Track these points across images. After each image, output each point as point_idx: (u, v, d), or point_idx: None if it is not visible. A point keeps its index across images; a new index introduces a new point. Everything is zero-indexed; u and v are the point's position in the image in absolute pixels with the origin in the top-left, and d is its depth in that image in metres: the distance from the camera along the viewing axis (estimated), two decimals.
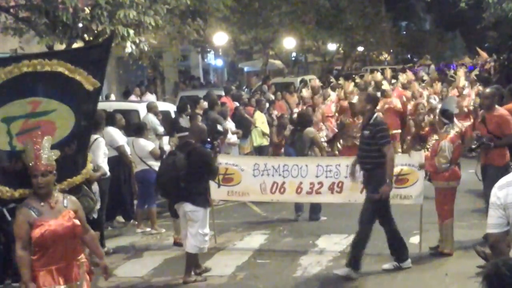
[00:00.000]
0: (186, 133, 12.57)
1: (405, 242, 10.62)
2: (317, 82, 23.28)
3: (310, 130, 14.35)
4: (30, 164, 6.21)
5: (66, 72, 6.41)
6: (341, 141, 18.96)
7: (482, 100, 11.53)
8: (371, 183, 10.27)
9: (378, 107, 20.19)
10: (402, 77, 23.64)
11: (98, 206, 11.42)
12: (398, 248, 10.52)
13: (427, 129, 16.77)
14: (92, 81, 6.61)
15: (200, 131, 10.77)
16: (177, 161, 10.22)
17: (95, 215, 11.39)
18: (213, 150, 11.44)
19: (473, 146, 11.14)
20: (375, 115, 10.28)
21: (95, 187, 11.56)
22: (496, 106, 11.16)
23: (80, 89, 6.56)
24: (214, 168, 10.65)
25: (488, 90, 11.70)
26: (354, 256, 10.19)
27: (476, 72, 26.39)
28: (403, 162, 11.33)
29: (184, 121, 13.43)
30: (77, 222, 6.34)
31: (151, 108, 16.09)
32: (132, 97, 22.02)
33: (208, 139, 10.84)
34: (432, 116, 16.47)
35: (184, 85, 30.99)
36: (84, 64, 6.58)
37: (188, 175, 10.09)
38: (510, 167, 10.60)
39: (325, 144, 19.00)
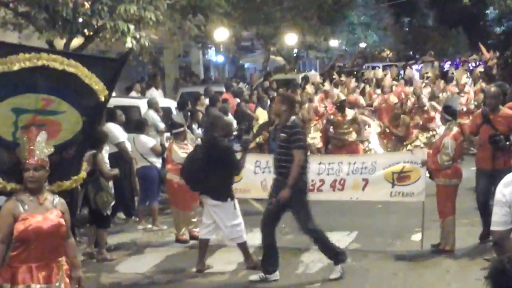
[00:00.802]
0: (182, 129, 12.51)
1: (278, 256, 10.27)
2: (317, 79, 23.20)
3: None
4: (24, 158, 6.14)
5: (82, 77, 6.36)
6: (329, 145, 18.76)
7: (487, 99, 11.30)
8: (279, 189, 9.95)
9: (375, 104, 20.34)
10: (408, 71, 23.68)
11: (112, 203, 11.53)
12: (268, 259, 10.21)
13: (399, 128, 16.87)
14: (106, 93, 6.54)
15: (223, 125, 10.73)
16: (194, 155, 10.24)
17: (109, 212, 11.47)
18: (242, 145, 11.30)
19: (496, 139, 10.68)
20: (292, 118, 9.97)
21: (111, 184, 11.63)
22: (500, 106, 11.04)
23: (93, 97, 6.49)
24: (235, 162, 10.52)
25: (493, 89, 11.51)
26: (268, 264, 10.10)
27: (480, 68, 26.34)
28: (406, 159, 11.29)
29: (179, 117, 13.37)
30: (62, 221, 6.25)
31: (152, 104, 16.04)
32: (133, 93, 21.91)
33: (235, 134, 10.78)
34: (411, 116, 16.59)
35: (184, 81, 30.92)
36: (99, 73, 6.51)
37: (208, 169, 10.14)
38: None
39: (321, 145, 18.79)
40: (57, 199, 6.36)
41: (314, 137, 17.96)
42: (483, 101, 18.55)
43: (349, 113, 17.14)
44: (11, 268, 6.05)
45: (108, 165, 12.18)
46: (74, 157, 6.68)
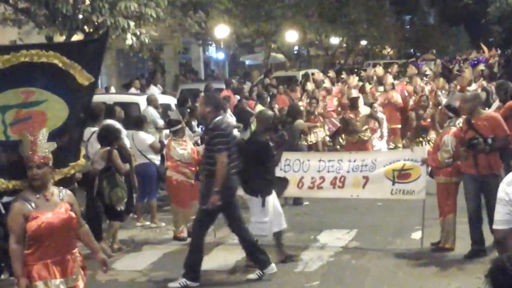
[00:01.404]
0: (179, 126, 12.44)
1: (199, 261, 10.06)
2: (320, 76, 23.16)
3: (300, 122, 14.81)
4: (26, 156, 6.13)
5: (60, 65, 6.38)
6: (343, 136, 18.87)
7: (463, 103, 10.68)
8: (206, 191, 9.88)
9: (378, 102, 20.31)
10: (410, 69, 23.62)
11: (125, 199, 11.58)
12: (257, 256, 10.06)
13: (428, 120, 16.72)
14: (87, 76, 6.52)
15: (263, 119, 10.66)
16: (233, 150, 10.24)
17: (122, 207, 11.46)
18: (280, 138, 11.18)
19: (473, 143, 10.28)
20: (216, 119, 9.81)
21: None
22: (480, 109, 10.60)
23: (74, 83, 6.48)
24: (270, 156, 10.40)
25: (468, 93, 11.33)
26: (190, 266, 9.94)
27: (481, 67, 26.26)
28: (406, 157, 11.23)
29: (175, 114, 13.30)
30: (73, 214, 6.29)
31: (151, 101, 15.97)
32: (132, 90, 21.85)
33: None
34: (433, 110, 16.42)
35: (184, 78, 30.88)
36: (79, 59, 6.50)
37: (245, 163, 10.10)
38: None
39: (328, 139, 18.94)
40: (64, 192, 6.37)
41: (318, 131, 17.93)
42: (486, 100, 18.52)
43: (364, 110, 17.09)
44: (27, 267, 6.08)
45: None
46: (69, 144, 6.65)
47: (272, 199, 10.46)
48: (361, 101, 17.51)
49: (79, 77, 6.46)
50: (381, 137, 18.67)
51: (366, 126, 16.78)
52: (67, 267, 6.26)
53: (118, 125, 13.54)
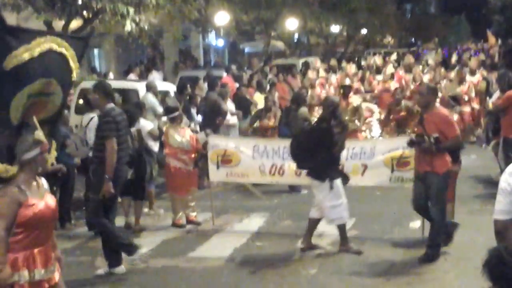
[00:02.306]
0: (177, 113, 12.40)
1: (121, 248, 9.94)
2: (317, 64, 23.11)
3: (304, 109, 14.85)
4: (40, 141, 6.06)
5: (68, 57, 6.33)
6: None
7: (418, 97, 10.39)
8: (94, 180, 9.83)
9: (376, 91, 20.27)
10: (408, 58, 23.58)
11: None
12: (110, 253, 9.91)
13: (403, 113, 16.77)
14: (77, 71, 6.50)
15: (328, 104, 10.69)
16: (300, 134, 10.46)
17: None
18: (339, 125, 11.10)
19: (412, 140, 10.11)
20: (107, 107, 9.74)
21: None
22: (437, 105, 10.24)
23: (71, 76, 6.47)
24: (334, 142, 10.33)
25: (424, 86, 10.82)
26: (110, 255, 9.85)
27: (482, 57, 26.23)
28: (405, 145, 11.15)
29: (172, 101, 13.27)
30: (56, 205, 6.27)
31: (150, 88, 15.92)
32: (132, 76, 21.80)
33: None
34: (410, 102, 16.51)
35: (184, 65, 30.80)
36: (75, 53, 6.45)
37: (310, 149, 10.14)
38: (449, 176, 10.05)
39: None
40: (45, 182, 6.35)
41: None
42: (486, 89, 18.49)
43: (354, 100, 17.07)
44: (13, 254, 5.93)
45: None
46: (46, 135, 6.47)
47: (340, 184, 10.47)
48: (357, 95, 17.47)
49: (75, 71, 6.43)
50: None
51: (353, 117, 16.64)
52: (49, 257, 6.16)
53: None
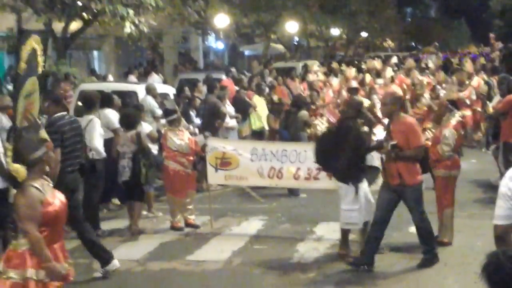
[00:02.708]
0: (175, 116, 12.39)
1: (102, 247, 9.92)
2: (314, 67, 23.01)
3: (304, 112, 14.90)
4: (39, 139, 6.24)
5: (38, 51, 6.36)
6: None
7: (381, 106, 10.21)
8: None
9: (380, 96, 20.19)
10: (409, 63, 23.54)
11: None
12: (97, 252, 9.86)
13: (425, 108, 16.69)
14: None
15: (354, 105, 10.63)
16: (325, 135, 10.39)
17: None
18: (366, 124, 10.90)
19: (372, 145, 10.06)
20: (55, 115, 9.65)
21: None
22: (402, 113, 9.94)
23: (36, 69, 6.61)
24: (361, 142, 10.08)
25: (388, 95, 10.54)
26: (97, 255, 9.87)
27: (482, 61, 26.19)
28: None
29: (170, 103, 13.25)
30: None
31: (149, 90, 15.88)
32: (131, 78, 21.76)
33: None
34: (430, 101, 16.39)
35: (183, 68, 30.76)
36: None
37: (336, 150, 9.99)
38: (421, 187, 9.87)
39: None
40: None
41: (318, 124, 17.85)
42: (487, 93, 18.44)
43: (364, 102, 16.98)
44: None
45: (103, 150, 12.18)
46: None
47: (364, 187, 10.33)
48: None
49: (40, 65, 6.47)
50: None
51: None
52: (65, 250, 6.38)
53: (116, 114, 13.50)
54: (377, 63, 25.90)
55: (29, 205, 5.98)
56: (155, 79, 22.56)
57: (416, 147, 9.58)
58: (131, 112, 12.97)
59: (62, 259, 6.22)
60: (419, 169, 9.78)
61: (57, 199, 6.17)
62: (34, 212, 5.97)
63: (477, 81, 20.38)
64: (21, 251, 6.04)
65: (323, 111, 18.92)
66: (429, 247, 9.94)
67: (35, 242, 5.98)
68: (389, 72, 21.34)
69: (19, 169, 5.94)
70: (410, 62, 24.78)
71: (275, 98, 18.77)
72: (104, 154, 12.24)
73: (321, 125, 17.90)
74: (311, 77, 22.48)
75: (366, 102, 17.10)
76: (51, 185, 6.33)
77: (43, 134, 6.15)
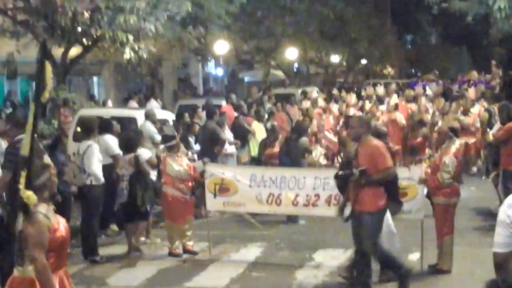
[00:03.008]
0: (174, 142, 12.38)
1: None
2: (313, 94, 22.92)
3: (305, 139, 15.00)
4: (44, 163, 6.24)
5: (46, 77, 6.34)
6: (341, 154, 18.66)
7: (349, 129, 10.25)
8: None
9: (380, 121, 20.17)
10: (408, 92, 23.56)
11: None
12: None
13: (419, 139, 16.66)
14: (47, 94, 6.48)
15: (377, 132, 10.32)
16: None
17: (148, 207, 12.60)
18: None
19: (339, 173, 9.88)
20: (16, 138, 9.71)
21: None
22: (369, 137, 9.69)
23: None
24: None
25: (355, 118, 10.58)
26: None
27: (482, 88, 26.22)
28: (403, 176, 10.98)
29: (169, 130, 13.24)
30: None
31: (149, 116, 15.86)
32: (132, 104, 21.73)
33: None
34: (427, 129, 16.35)
35: (183, 94, 30.76)
36: None
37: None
38: (385, 213, 9.70)
39: (323, 160, 18.60)
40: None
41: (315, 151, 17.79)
42: (487, 121, 18.41)
43: None
44: None
45: (102, 175, 12.16)
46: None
47: (387, 216, 10.05)
48: None
49: (46, 94, 6.39)
50: None
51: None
52: (68, 275, 6.38)
53: (115, 140, 13.49)
54: (379, 90, 25.90)
55: (38, 231, 5.96)
56: (154, 105, 22.54)
57: (384, 169, 9.48)
58: (130, 136, 13.10)
59: (68, 285, 6.23)
60: (383, 195, 9.60)
61: (61, 224, 6.17)
62: (43, 239, 5.95)
63: (478, 108, 20.38)
64: (29, 277, 5.98)
65: (319, 138, 18.90)
66: (396, 270, 9.81)
67: (41, 269, 5.93)
68: (394, 99, 21.25)
69: (30, 196, 5.91)
70: (410, 92, 24.77)
71: (268, 125, 18.74)
72: (102, 179, 12.22)
73: (316, 152, 17.87)
74: (304, 103, 22.48)
75: None
76: (53, 210, 6.30)
77: (47, 159, 6.14)
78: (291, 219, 14.47)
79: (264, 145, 16.84)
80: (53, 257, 6.07)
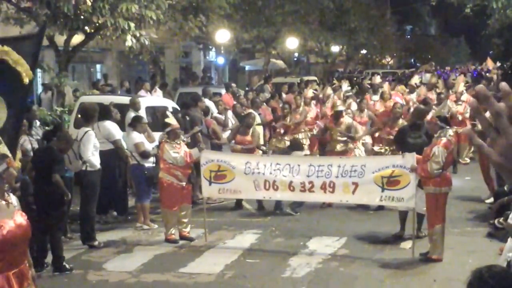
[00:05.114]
0: (169, 129, 12.41)
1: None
2: (308, 93, 22.70)
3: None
4: (6, 157, 5.63)
5: (10, 62, 6.10)
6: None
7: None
8: None
9: (375, 109, 20.19)
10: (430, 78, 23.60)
11: None
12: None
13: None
14: (30, 73, 6.25)
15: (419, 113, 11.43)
16: None
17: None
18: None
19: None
20: None
21: None
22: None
23: (18, 81, 6.19)
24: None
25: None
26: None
27: (463, 78, 26.34)
28: (395, 163, 11.08)
29: (173, 117, 13.27)
30: (28, 222, 5.86)
31: (133, 104, 15.62)
32: (142, 92, 21.62)
33: None
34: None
35: (191, 82, 30.64)
36: (23, 54, 6.24)
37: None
38: None
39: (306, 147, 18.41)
40: (14, 198, 5.97)
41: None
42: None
43: (346, 120, 16.60)
44: None
45: (98, 162, 12.26)
46: (9, 145, 6.01)
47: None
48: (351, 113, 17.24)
49: (25, 75, 6.19)
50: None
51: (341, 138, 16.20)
52: (25, 277, 5.80)
53: (115, 126, 13.60)
54: (375, 79, 25.94)
55: None
56: (159, 94, 22.67)
57: None
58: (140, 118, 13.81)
59: (17, 286, 5.63)
60: None
61: (11, 222, 5.57)
62: None
63: (466, 98, 20.42)
64: None
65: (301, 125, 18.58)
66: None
67: None
68: (385, 87, 21.24)
69: None
70: (432, 77, 24.81)
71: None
72: (98, 166, 12.27)
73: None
74: (285, 96, 22.58)
75: (348, 121, 17.06)
76: (15, 204, 5.85)
77: (3, 149, 5.58)
78: (278, 206, 14.42)
79: (237, 129, 16.43)
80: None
